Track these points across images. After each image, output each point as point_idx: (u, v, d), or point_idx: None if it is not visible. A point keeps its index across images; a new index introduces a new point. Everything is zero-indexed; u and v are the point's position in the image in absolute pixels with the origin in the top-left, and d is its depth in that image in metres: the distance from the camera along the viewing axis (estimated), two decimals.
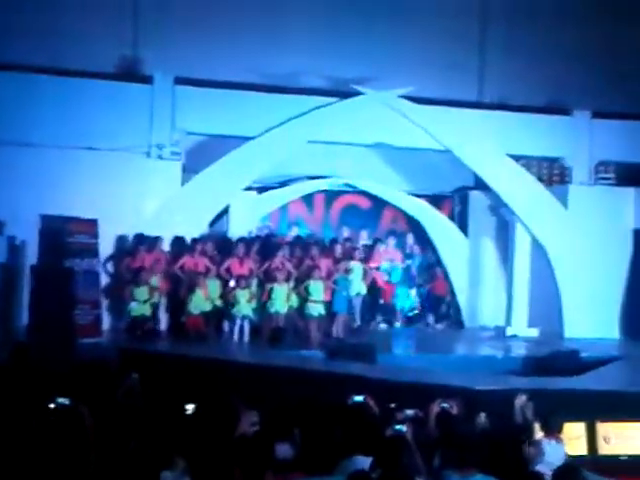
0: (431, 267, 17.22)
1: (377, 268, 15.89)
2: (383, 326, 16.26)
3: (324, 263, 14.39)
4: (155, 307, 13.62)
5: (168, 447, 5.83)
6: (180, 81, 15.03)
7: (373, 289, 15.61)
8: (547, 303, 15.94)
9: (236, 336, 13.54)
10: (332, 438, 6.59)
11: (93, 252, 13.45)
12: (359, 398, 8.07)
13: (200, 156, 15.12)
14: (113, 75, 15.21)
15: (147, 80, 15.02)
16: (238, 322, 13.58)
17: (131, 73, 15.55)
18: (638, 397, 10.45)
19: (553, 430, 7.56)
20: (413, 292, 17.20)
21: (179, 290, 13.73)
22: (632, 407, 9.96)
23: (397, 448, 6.46)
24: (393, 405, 8.44)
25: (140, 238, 13.98)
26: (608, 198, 16.34)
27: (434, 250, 17.43)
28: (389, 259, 16.48)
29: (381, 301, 16.28)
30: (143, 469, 5.56)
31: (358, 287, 14.84)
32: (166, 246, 14.24)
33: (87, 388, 7.91)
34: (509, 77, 17.01)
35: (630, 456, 9.19)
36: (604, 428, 9.21)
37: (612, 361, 12.93)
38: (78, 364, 10.15)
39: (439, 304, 17.15)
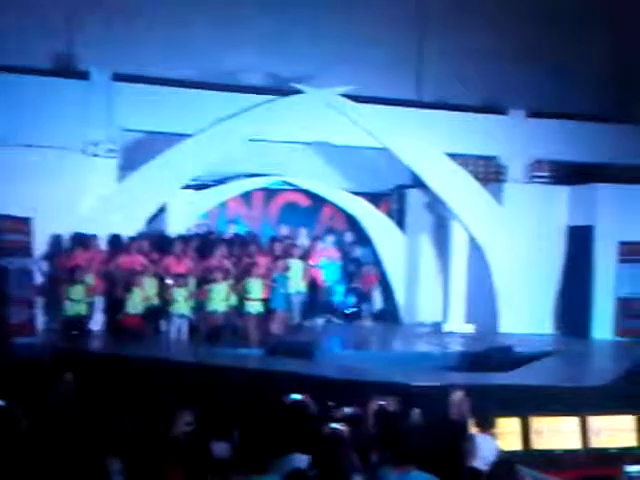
0: (361, 264, 17.21)
1: (316, 266, 15.92)
2: (322, 323, 16.29)
3: (263, 261, 14.37)
4: (91, 306, 13.44)
5: (103, 448, 5.77)
6: (117, 77, 14.85)
7: (312, 287, 15.63)
8: (483, 299, 16.17)
9: (174, 335, 13.44)
10: (271, 437, 6.59)
11: (27, 251, 13.21)
12: (297, 396, 8.09)
13: (137, 153, 14.95)
14: (48, 71, 14.94)
15: (83, 76, 14.80)
16: (176, 321, 13.49)
17: (67, 69, 15.31)
18: (571, 391, 10.68)
19: (486, 425, 7.68)
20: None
21: (116, 289, 13.58)
22: (565, 401, 10.16)
23: (334, 446, 6.50)
24: (331, 403, 8.49)
25: (75, 236, 13.78)
26: (542, 196, 16.62)
27: (372, 247, 17.52)
28: (328, 257, 16.53)
29: (320, 299, 16.31)
30: (77, 471, 5.50)
31: (297, 285, 14.85)
32: (102, 244, 14.06)
33: (21, 388, 7.79)
34: (447, 77, 17.22)
35: (564, 450, 9.36)
36: (538, 423, 9.37)
37: (546, 356, 13.16)
38: (12, 364, 9.98)
39: (371, 300, 17.18)
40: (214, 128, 14.89)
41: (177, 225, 15.11)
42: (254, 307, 13.62)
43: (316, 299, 16.11)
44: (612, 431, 9.63)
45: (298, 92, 15.14)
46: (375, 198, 17.67)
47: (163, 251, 14.11)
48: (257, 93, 15.45)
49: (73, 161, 14.21)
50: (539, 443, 9.27)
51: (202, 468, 6.24)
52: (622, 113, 17.06)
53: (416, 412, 8.01)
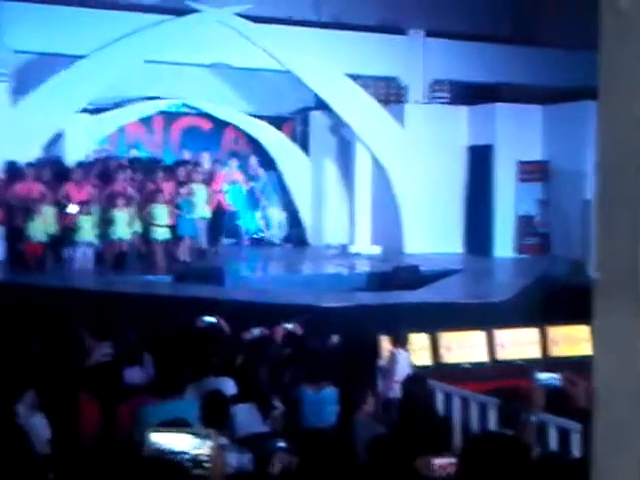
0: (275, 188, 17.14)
1: (220, 190, 15.71)
2: (229, 248, 16.18)
3: (166, 186, 14.11)
4: None
5: (17, 381, 5.63)
6: None
7: (217, 212, 15.45)
8: (388, 221, 16.33)
9: (78, 263, 13.13)
10: (186, 361, 6.58)
11: None
12: (211, 319, 8.08)
13: (30, 76, 14.33)
14: None
15: None
16: (80, 249, 13.16)
17: None
18: (475, 307, 10.97)
19: (401, 341, 7.82)
20: (258, 214, 17.21)
21: (15, 218, 13.11)
22: (470, 317, 10.43)
23: (252, 367, 6.55)
24: (242, 325, 8.50)
25: None
26: (443, 116, 16.74)
27: (276, 170, 17.43)
28: (232, 181, 16.35)
29: (225, 223, 16.17)
30: None
31: (202, 210, 14.65)
32: None
33: None
34: None
35: (470, 363, 9.62)
36: (446, 338, 9.57)
37: (451, 274, 13.43)
38: None
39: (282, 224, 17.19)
40: (109, 49, 14.34)
41: (75, 151, 14.65)
42: (160, 233, 13.41)
43: (221, 224, 15.95)
44: (516, 344, 9.93)
45: (194, 11, 14.72)
46: (278, 121, 17.51)
47: (62, 178, 13.67)
48: (152, 12, 14.94)
49: None
50: (448, 357, 9.49)
51: (116, 397, 6.19)
52: (519, 34, 17.23)
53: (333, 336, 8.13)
